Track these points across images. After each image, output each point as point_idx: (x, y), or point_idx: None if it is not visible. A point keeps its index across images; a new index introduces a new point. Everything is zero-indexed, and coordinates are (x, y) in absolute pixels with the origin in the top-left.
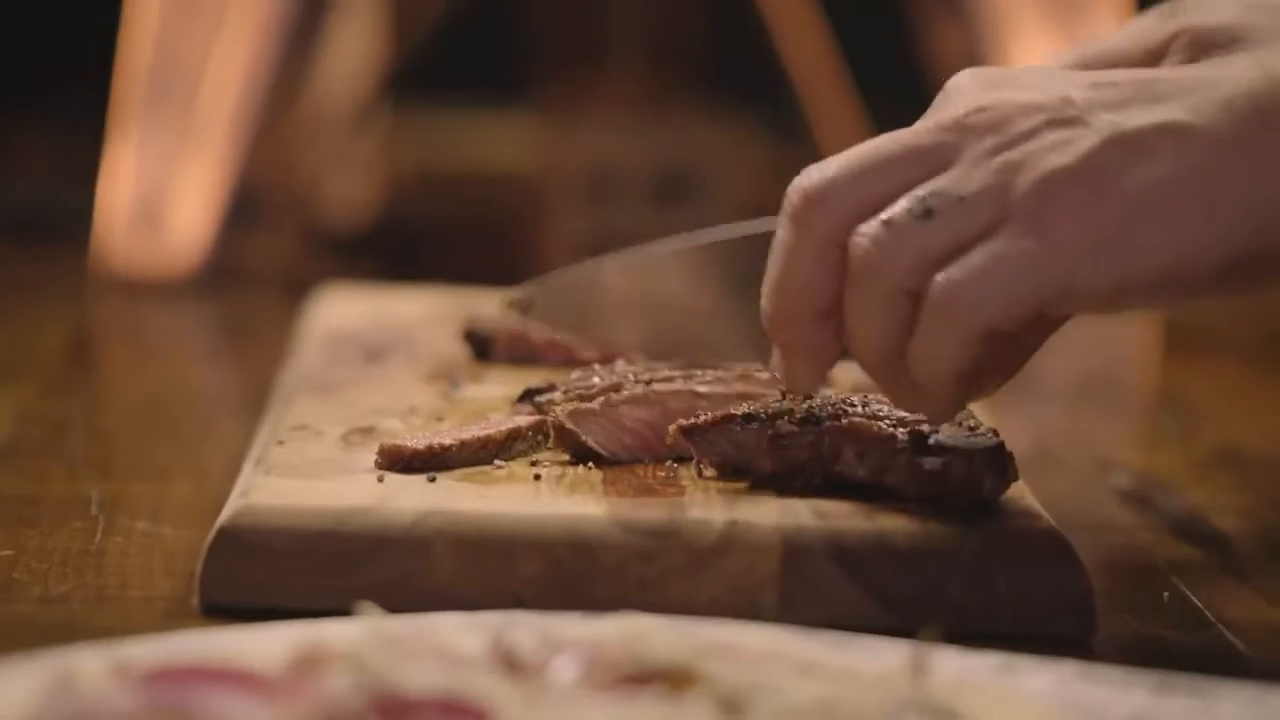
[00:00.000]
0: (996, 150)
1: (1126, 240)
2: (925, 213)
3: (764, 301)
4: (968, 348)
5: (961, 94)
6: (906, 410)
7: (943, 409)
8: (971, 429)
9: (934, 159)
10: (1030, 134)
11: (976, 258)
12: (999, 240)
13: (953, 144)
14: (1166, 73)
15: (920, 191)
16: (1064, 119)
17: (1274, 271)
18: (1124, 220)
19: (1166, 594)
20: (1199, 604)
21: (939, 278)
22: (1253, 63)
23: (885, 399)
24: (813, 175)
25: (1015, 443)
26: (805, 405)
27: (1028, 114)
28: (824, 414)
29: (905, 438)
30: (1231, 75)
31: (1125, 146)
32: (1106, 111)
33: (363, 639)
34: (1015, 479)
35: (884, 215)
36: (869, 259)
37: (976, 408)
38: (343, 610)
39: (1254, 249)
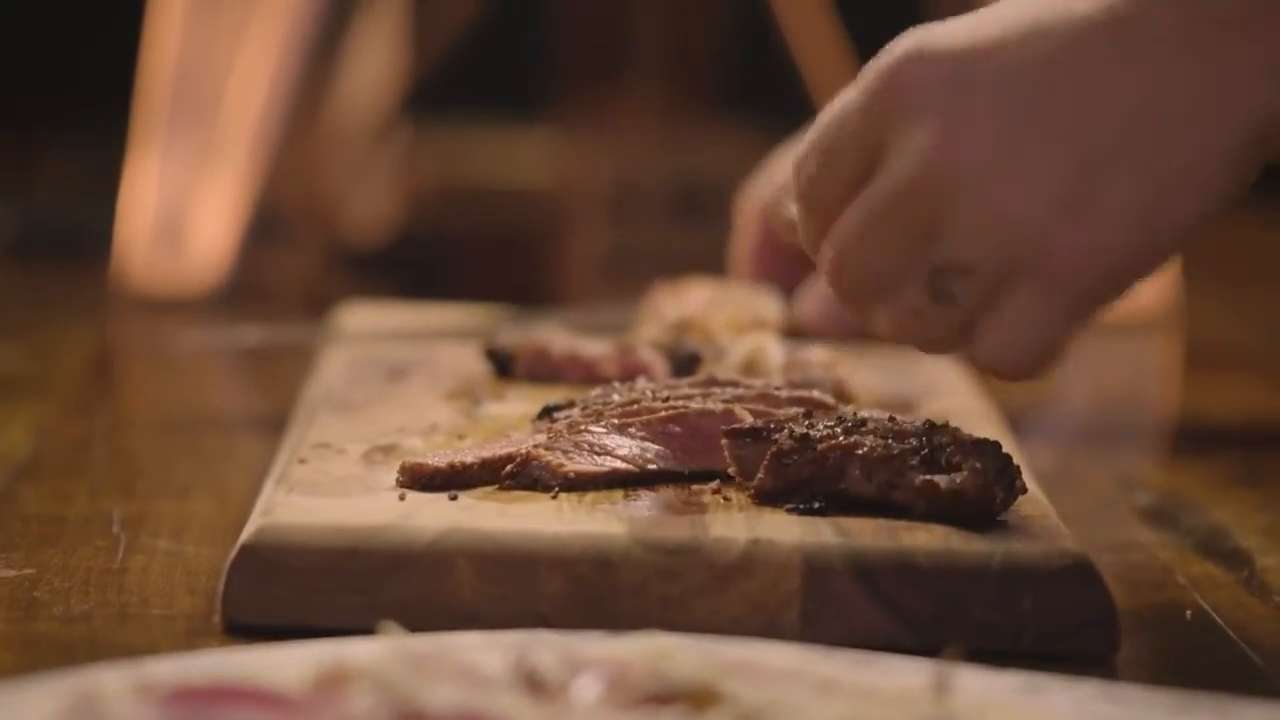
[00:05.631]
0: (983, 200)
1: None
2: (948, 298)
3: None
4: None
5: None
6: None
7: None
8: (975, 443)
9: (920, 218)
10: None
11: (1008, 316)
12: (1022, 294)
13: (928, 201)
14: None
15: (934, 276)
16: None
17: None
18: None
19: (1189, 612)
20: (1221, 622)
21: (979, 347)
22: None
23: (887, 418)
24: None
25: (1037, 461)
26: (807, 423)
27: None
28: (825, 431)
29: (914, 455)
30: None
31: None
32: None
33: (385, 658)
34: (1024, 491)
35: (910, 308)
36: (906, 332)
37: (996, 427)
38: (365, 629)
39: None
